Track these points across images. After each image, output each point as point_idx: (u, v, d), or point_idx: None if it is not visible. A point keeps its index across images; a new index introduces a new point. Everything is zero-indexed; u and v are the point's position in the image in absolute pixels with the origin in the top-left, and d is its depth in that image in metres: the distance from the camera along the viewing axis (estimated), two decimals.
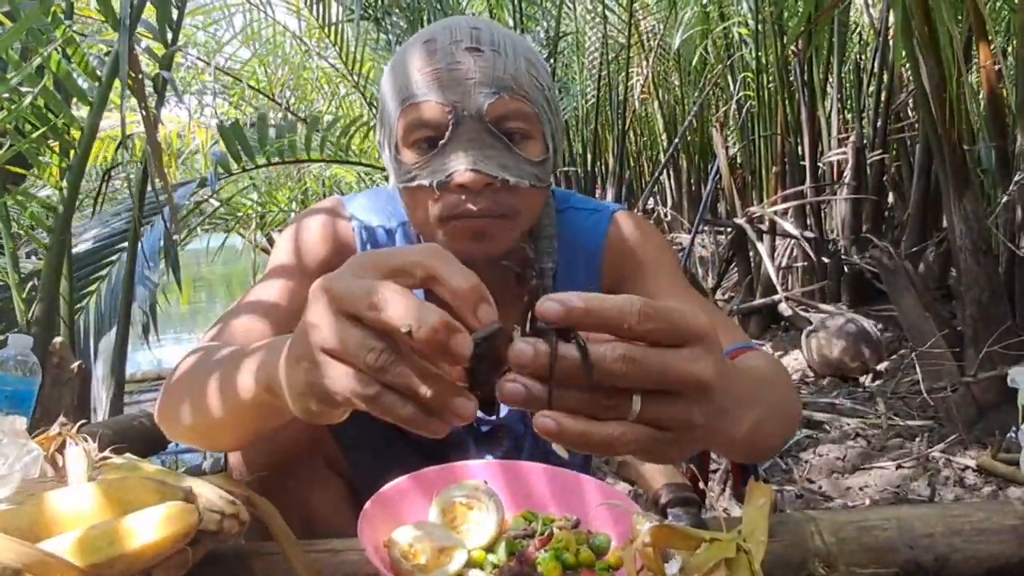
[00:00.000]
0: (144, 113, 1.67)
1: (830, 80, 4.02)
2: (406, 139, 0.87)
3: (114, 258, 2.35)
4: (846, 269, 3.64)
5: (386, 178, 0.98)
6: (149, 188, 2.06)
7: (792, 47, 3.77)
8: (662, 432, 0.46)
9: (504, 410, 1.01)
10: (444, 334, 0.44)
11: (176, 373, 0.78)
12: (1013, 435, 1.89)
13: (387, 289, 0.46)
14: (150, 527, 0.61)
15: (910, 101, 4.02)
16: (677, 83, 6.18)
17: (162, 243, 2.30)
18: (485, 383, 0.48)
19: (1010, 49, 3.83)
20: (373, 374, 0.46)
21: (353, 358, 0.46)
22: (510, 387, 0.45)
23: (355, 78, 4.77)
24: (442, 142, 0.83)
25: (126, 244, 2.14)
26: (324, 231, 0.99)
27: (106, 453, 0.78)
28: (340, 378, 0.47)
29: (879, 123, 3.87)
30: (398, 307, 0.45)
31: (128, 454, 0.80)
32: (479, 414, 1.04)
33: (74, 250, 2.12)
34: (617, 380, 0.44)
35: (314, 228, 0.99)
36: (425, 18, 4.20)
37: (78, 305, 2.13)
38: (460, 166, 0.82)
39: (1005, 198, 2.14)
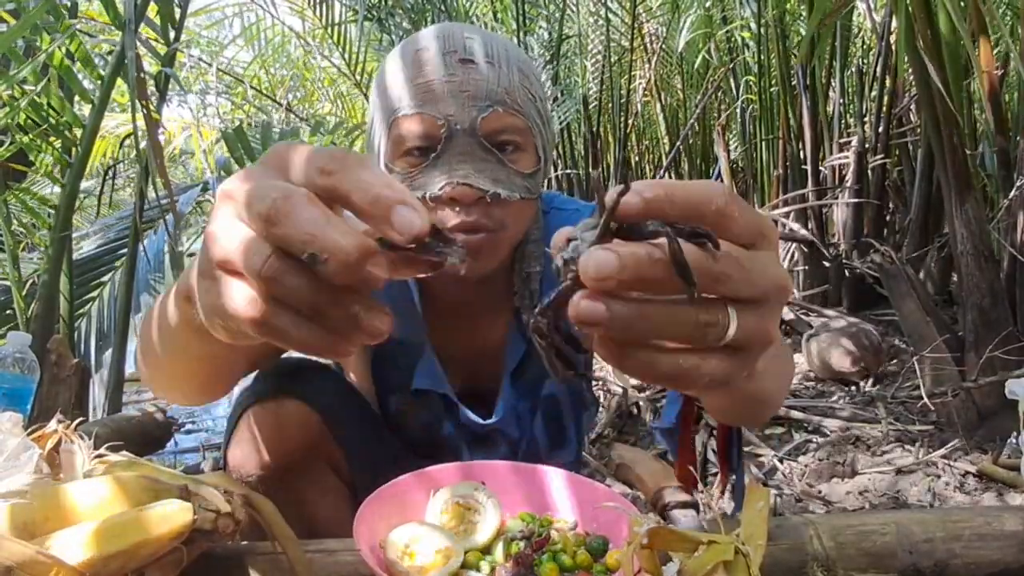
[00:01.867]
0: (145, 112, 1.66)
1: (832, 84, 4.02)
2: (397, 149, 0.86)
3: (117, 263, 2.35)
4: (847, 273, 3.63)
5: None
6: (151, 192, 2.05)
7: (795, 51, 3.77)
8: (744, 356, 0.39)
9: (498, 414, 1.01)
10: (360, 264, 0.36)
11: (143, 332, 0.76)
12: (1014, 441, 1.89)
13: (293, 198, 0.36)
14: (144, 525, 0.61)
15: (912, 105, 4.02)
16: (679, 86, 6.18)
17: (166, 250, 2.30)
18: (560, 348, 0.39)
19: (1013, 54, 3.84)
20: (265, 286, 0.37)
21: (243, 268, 0.38)
22: (586, 305, 0.35)
23: (358, 78, 4.77)
24: (434, 155, 0.83)
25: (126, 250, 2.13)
26: None
27: (102, 451, 0.78)
28: (234, 296, 0.39)
29: (881, 127, 3.87)
30: (301, 223, 0.36)
31: (125, 452, 0.80)
32: (474, 417, 1.03)
33: (76, 255, 2.13)
34: (720, 285, 0.36)
35: None
36: (428, 19, 4.21)
37: (79, 311, 2.13)
38: (452, 180, 0.82)
39: (1007, 203, 2.14)
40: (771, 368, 0.60)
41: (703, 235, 0.35)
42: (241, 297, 0.38)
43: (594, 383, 2.48)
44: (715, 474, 2.00)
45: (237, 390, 0.87)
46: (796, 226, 3.67)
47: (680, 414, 0.98)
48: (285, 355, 0.95)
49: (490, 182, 0.83)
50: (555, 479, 0.81)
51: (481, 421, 1.02)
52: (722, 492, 1.90)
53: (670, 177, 6.68)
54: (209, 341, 0.47)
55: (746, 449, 1.96)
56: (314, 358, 0.96)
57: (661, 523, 0.62)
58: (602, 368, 3.27)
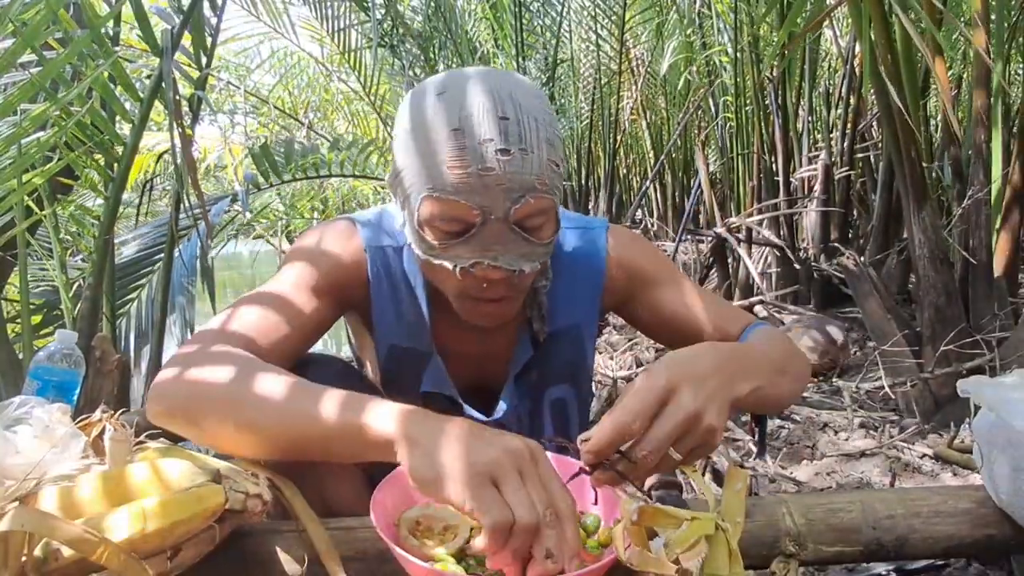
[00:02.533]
0: (180, 131, 1.66)
1: (802, 103, 4.02)
2: (428, 222, 0.82)
3: (154, 267, 2.35)
4: (815, 275, 3.63)
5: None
6: (185, 201, 2.05)
7: (768, 73, 3.77)
8: (704, 449, 0.65)
9: (499, 412, 1.00)
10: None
11: (186, 365, 0.76)
12: (967, 426, 1.89)
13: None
14: (180, 506, 0.61)
15: (874, 123, 4.02)
16: (663, 105, 6.19)
17: (198, 258, 2.30)
18: None
19: (966, 76, 3.83)
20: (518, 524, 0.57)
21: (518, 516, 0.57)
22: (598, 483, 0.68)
23: (372, 99, 4.78)
24: (467, 236, 0.81)
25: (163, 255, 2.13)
26: (335, 248, 0.95)
27: (143, 438, 0.78)
28: (491, 502, 0.57)
29: (846, 143, 3.87)
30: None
31: (163, 439, 0.80)
32: (476, 415, 1.03)
33: (118, 260, 2.13)
34: (654, 459, 0.63)
35: (326, 243, 0.95)
36: (436, 45, 4.21)
37: (120, 311, 2.13)
38: (483, 260, 0.81)
39: (960, 211, 2.14)
40: (772, 381, 0.77)
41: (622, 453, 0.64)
42: (504, 511, 0.57)
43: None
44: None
45: None
46: (768, 233, 3.67)
47: None
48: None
49: (517, 259, 0.82)
50: (553, 463, 0.81)
51: (483, 418, 1.00)
52: (703, 474, 1.91)
53: (655, 187, 6.69)
54: (347, 452, 0.69)
55: (725, 434, 1.96)
56: (332, 353, 0.95)
57: (649, 502, 0.62)
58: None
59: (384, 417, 0.65)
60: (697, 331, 0.97)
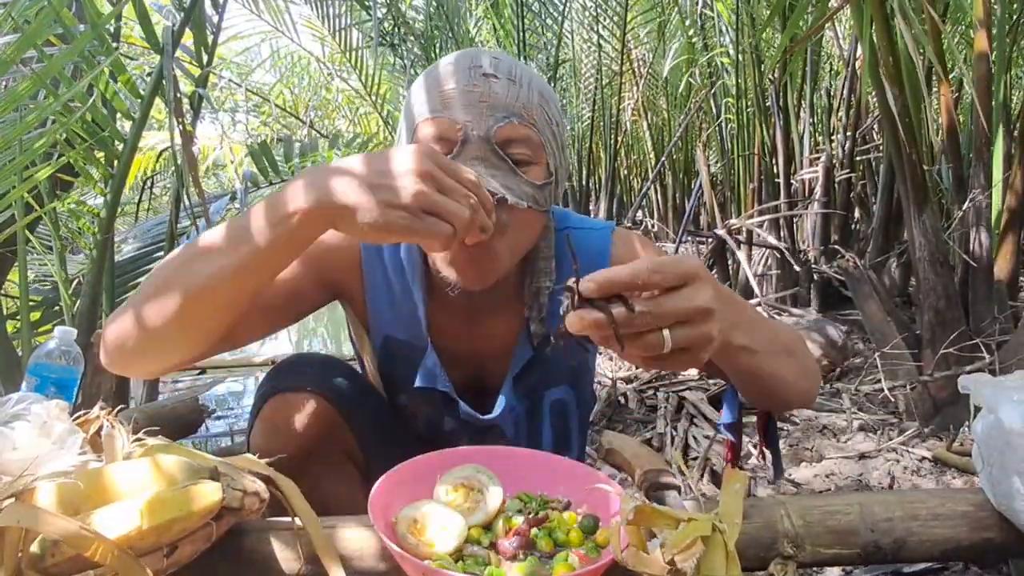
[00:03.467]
0: (181, 129, 1.66)
1: (803, 105, 4.02)
2: None
3: (154, 265, 2.35)
4: (816, 277, 3.63)
5: None
6: (185, 200, 2.05)
7: (769, 75, 3.77)
8: (693, 353, 0.58)
9: (497, 410, 0.99)
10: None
11: (142, 284, 0.80)
12: (966, 430, 1.89)
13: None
14: (179, 503, 0.61)
15: (875, 125, 4.03)
16: (664, 107, 6.19)
17: None
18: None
19: (966, 80, 3.83)
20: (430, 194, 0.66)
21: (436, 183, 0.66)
22: (574, 319, 0.55)
23: (373, 98, 4.78)
24: (449, 156, 0.80)
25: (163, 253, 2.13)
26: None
27: (140, 435, 0.78)
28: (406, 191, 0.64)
29: (847, 145, 3.87)
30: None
31: (160, 436, 0.79)
32: (472, 412, 1.02)
33: (117, 257, 2.12)
34: (647, 325, 0.55)
35: None
36: (437, 45, 4.21)
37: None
38: None
39: (961, 214, 2.14)
40: (771, 351, 0.75)
41: (624, 299, 0.55)
42: (444, 227, 0.67)
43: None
44: (695, 459, 2.00)
45: (257, 380, 0.87)
46: (768, 235, 3.67)
47: (739, 412, 1.00)
48: (301, 353, 0.94)
49: (500, 187, 0.80)
50: (549, 463, 0.81)
51: (479, 416, 1.00)
52: (701, 475, 1.91)
53: (655, 188, 6.68)
54: (285, 251, 0.72)
55: (723, 436, 1.96)
56: (332, 354, 0.95)
57: (646, 503, 0.62)
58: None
59: (287, 192, 0.70)
60: None
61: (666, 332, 0.56)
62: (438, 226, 0.65)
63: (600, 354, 3.31)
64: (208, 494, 0.62)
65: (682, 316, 0.56)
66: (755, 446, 1.94)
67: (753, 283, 3.47)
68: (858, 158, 4.02)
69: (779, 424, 2.26)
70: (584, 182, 5.15)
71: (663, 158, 5.60)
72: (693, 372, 2.54)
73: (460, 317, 0.97)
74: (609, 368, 2.92)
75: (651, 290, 0.56)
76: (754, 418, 1.09)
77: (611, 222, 1.07)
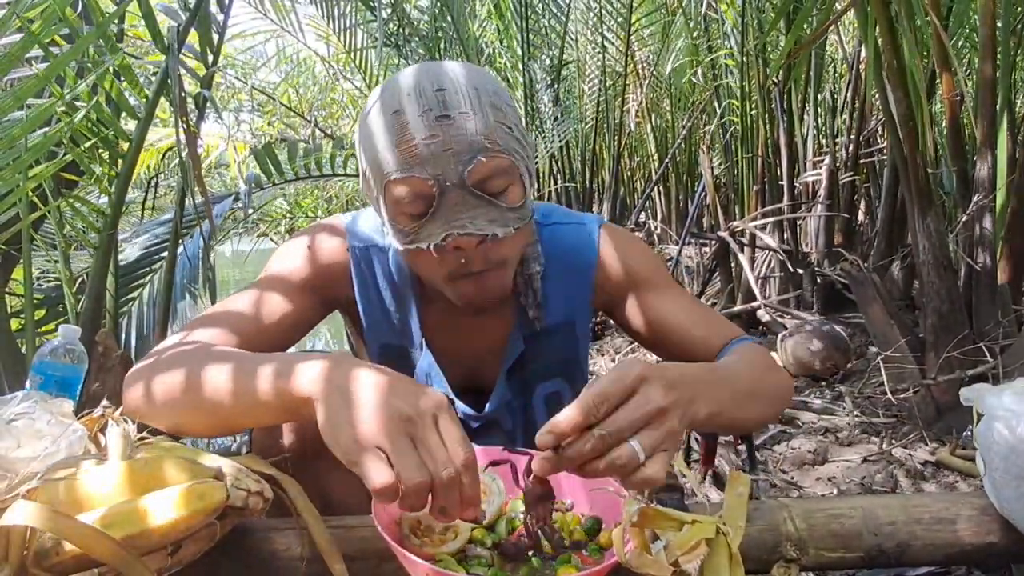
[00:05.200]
0: (185, 129, 1.67)
1: (807, 108, 4.01)
2: (395, 209, 0.83)
3: (156, 266, 2.35)
4: (819, 280, 3.63)
5: None
6: (189, 200, 2.05)
7: (773, 77, 3.76)
8: (665, 456, 0.59)
9: (493, 404, 1.00)
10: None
11: (161, 361, 0.79)
12: (968, 434, 1.88)
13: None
14: (182, 502, 0.61)
15: (879, 128, 4.02)
16: (668, 108, 6.19)
17: (201, 256, 2.31)
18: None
19: (970, 83, 3.83)
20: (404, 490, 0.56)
21: (402, 476, 0.56)
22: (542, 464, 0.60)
23: None
24: (431, 210, 0.81)
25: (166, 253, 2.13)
26: (315, 248, 0.97)
27: (144, 434, 0.78)
28: (381, 471, 0.56)
29: (851, 147, 3.87)
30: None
31: (164, 436, 0.80)
32: (466, 409, 1.03)
33: (121, 256, 2.13)
34: (612, 444, 0.58)
35: (305, 245, 0.97)
36: (442, 45, 4.21)
37: (121, 309, 2.13)
38: (452, 231, 0.80)
39: (964, 217, 2.13)
40: (735, 404, 0.75)
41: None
42: (384, 475, 0.56)
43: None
44: (696, 461, 2.00)
45: None
46: (770, 238, 3.66)
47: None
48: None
49: (486, 224, 0.81)
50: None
51: (476, 414, 1.01)
52: (703, 479, 1.90)
53: (659, 190, 6.68)
54: (279, 418, 0.70)
55: (727, 439, 1.96)
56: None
57: (650, 505, 0.62)
58: (594, 363, 3.27)
59: (305, 378, 0.65)
60: (684, 339, 0.96)
61: (633, 443, 0.58)
62: (377, 472, 0.56)
63: (602, 355, 3.31)
64: (212, 493, 0.62)
65: (640, 423, 0.59)
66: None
67: (754, 286, 3.47)
68: (862, 161, 4.02)
69: (782, 428, 2.25)
70: (588, 184, 5.14)
71: (666, 160, 5.60)
72: None
73: (453, 317, 0.98)
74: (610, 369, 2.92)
75: (604, 416, 0.59)
76: None
77: (598, 216, 1.07)
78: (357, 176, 3.63)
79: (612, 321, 1.12)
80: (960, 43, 3.45)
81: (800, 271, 3.64)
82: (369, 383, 0.61)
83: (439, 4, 4.21)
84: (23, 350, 1.63)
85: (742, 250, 3.63)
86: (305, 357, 0.67)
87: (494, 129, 0.81)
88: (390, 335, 1.00)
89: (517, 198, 0.84)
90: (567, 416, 0.58)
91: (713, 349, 0.93)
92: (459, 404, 1.01)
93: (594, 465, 0.58)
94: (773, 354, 3.02)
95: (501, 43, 4.73)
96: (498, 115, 0.82)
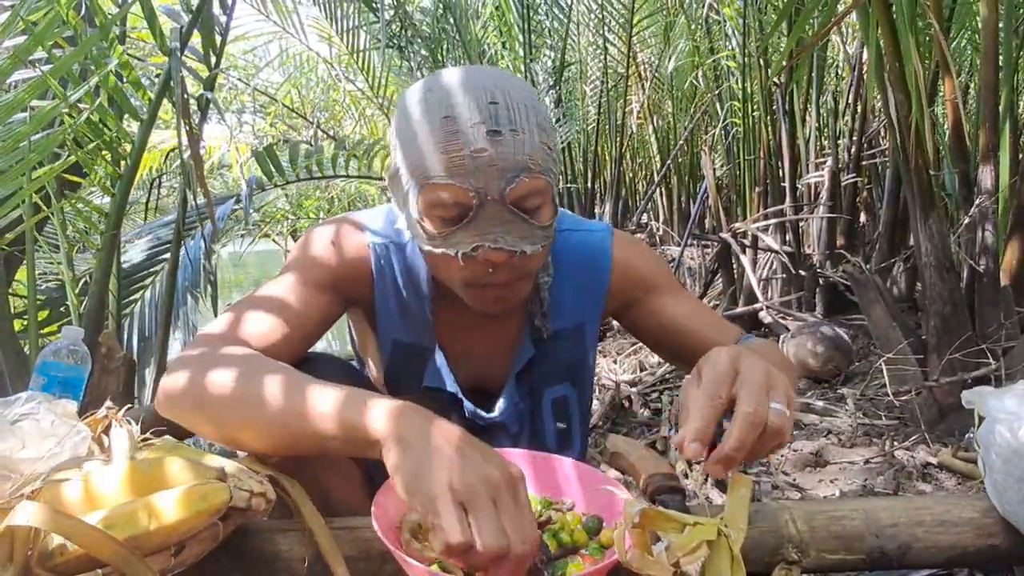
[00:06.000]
0: (188, 129, 1.67)
1: (809, 109, 4.01)
2: (429, 210, 0.83)
3: (158, 268, 2.36)
4: (821, 281, 3.62)
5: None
6: (192, 200, 2.06)
7: (775, 79, 3.76)
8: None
9: (500, 410, 1.00)
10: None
11: (193, 366, 0.77)
12: (970, 436, 1.88)
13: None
14: (185, 503, 0.61)
15: (881, 130, 4.02)
16: (670, 110, 6.18)
17: (203, 257, 2.32)
18: None
19: (972, 85, 3.82)
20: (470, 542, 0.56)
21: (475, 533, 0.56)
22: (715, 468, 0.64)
23: (380, 100, 4.78)
24: (466, 220, 0.81)
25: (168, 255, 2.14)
26: (339, 244, 0.96)
27: (147, 435, 0.78)
28: (452, 524, 0.56)
29: (853, 149, 3.86)
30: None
31: (168, 436, 0.80)
32: (476, 410, 1.03)
33: (124, 257, 2.13)
34: (760, 423, 0.63)
35: (330, 239, 0.96)
36: (444, 47, 4.21)
37: (124, 311, 2.14)
38: (484, 243, 0.81)
39: (967, 220, 2.13)
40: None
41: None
42: (462, 534, 0.56)
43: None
44: (698, 462, 2.00)
45: None
46: (771, 240, 3.66)
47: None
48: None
49: (518, 240, 0.83)
50: (556, 465, 0.81)
51: (484, 415, 1.01)
52: (704, 480, 1.90)
53: (660, 191, 6.68)
54: (340, 450, 0.69)
55: None
56: (335, 353, 0.96)
57: (652, 506, 0.62)
58: (597, 364, 3.26)
59: (377, 418, 0.65)
60: (696, 341, 0.98)
61: (774, 405, 0.64)
62: (458, 527, 0.56)
63: (604, 357, 3.30)
64: (215, 494, 0.63)
65: (765, 387, 0.65)
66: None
67: (756, 287, 3.47)
68: (864, 162, 4.01)
69: None
70: (589, 185, 5.14)
71: (668, 161, 5.60)
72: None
73: (466, 317, 0.98)
74: (614, 371, 2.92)
75: (728, 402, 0.65)
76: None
77: (609, 225, 1.08)
78: (359, 177, 3.65)
79: (617, 324, 1.13)
80: (963, 44, 3.45)
81: (802, 273, 3.64)
82: (454, 438, 0.62)
83: (441, 6, 4.22)
84: (26, 351, 1.63)
85: (744, 251, 3.63)
86: (373, 396, 0.68)
87: (538, 150, 0.82)
88: (403, 332, 1.00)
89: (548, 217, 0.86)
90: (698, 416, 0.63)
91: None
92: (467, 404, 1.01)
93: (759, 444, 0.63)
94: None
95: (503, 45, 4.74)
96: (543, 136, 0.83)
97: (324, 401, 0.69)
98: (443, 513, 0.57)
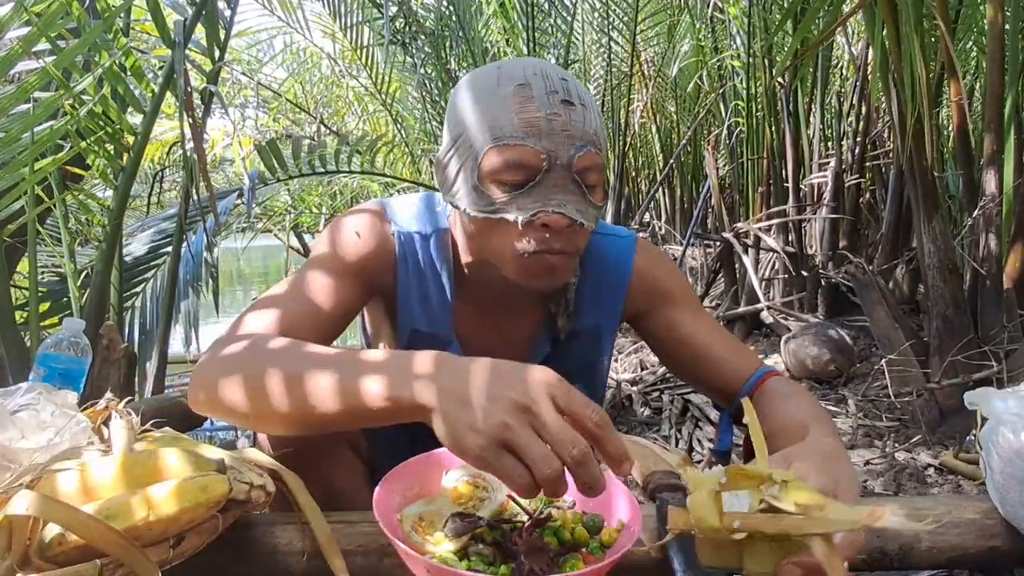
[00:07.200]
0: (191, 122, 1.67)
1: (813, 110, 4.00)
2: (494, 174, 0.83)
3: (159, 261, 2.36)
4: (823, 282, 3.62)
5: (404, 190, 0.97)
6: (194, 194, 2.05)
7: (779, 79, 3.76)
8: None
9: None
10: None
11: (230, 356, 0.75)
12: (972, 438, 1.88)
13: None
14: (184, 495, 0.61)
15: (885, 131, 4.01)
16: (673, 109, 6.18)
17: (204, 251, 2.32)
18: None
19: (978, 87, 3.82)
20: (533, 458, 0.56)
21: (533, 462, 0.56)
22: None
23: (383, 96, 4.78)
24: (531, 184, 0.82)
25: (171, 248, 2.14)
26: (366, 232, 0.96)
27: (147, 427, 0.78)
28: (506, 474, 0.57)
29: (856, 150, 3.86)
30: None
31: (167, 428, 0.80)
32: None
33: (126, 250, 2.13)
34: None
35: (357, 228, 0.97)
36: (448, 44, 4.21)
37: (126, 303, 2.14)
38: (547, 208, 0.82)
39: (970, 222, 2.13)
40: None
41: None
42: (521, 475, 0.56)
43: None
44: (698, 463, 2.00)
45: None
46: (773, 240, 3.66)
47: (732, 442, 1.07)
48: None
49: (577, 212, 0.83)
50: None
51: None
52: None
53: (663, 190, 6.67)
54: (385, 422, 0.66)
55: (738, 443, 1.95)
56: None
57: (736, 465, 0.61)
58: None
59: (421, 391, 0.63)
60: (715, 364, 0.99)
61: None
62: (513, 471, 0.56)
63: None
64: (214, 486, 0.63)
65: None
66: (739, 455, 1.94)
67: (758, 288, 3.46)
68: (868, 163, 4.00)
69: None
70: None
71: (671, 161, 5.60)
72: None
73: (485, 310, 0.99)
74: (615, 370, 2.92)
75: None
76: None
77: (634, 232, 1.09)
78: (361, 173, 3.64)
79: (631, 328, 1.14)
80: (968, 46, 3.44)
81: (804, 273, 3.64)
82: (478, 377, 0.61)
83: (445, 2, 4.21)
84: (28, 342, 1.63)
85: (746, 252, 3.62)
86: (409, 356, 0.67)
87: (601, 131, 0.86)
88: (422, 322, 1.00)
89: (600, 199, 0.88)
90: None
91: (743, 377, 0.97)
92: None
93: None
94: (776, 357, 3.01)
95: (507, 42, 4.73)
96: (600, 120, 0.87)
97: (365, 375, 0.67)
98: (495, 465, 0.57)
